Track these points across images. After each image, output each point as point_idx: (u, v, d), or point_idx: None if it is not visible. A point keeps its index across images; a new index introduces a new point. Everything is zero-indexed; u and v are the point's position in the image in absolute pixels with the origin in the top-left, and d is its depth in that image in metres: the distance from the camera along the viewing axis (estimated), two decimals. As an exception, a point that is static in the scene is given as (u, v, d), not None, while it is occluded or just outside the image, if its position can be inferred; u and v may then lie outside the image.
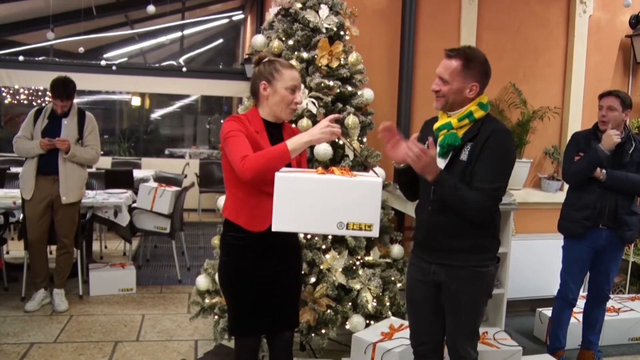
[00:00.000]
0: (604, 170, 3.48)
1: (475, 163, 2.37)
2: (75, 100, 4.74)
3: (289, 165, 2.37)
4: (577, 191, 3.65)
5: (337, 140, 3.70)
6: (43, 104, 4.92)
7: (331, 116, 2.37)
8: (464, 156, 2.41)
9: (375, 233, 2.18)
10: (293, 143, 2.26)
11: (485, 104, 2.46)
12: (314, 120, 3.62)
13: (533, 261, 4.46)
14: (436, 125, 2.53)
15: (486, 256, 2.50)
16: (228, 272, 2.55)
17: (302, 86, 3.63)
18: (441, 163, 2.46)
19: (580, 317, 3.95)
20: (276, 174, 2.13)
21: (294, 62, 3.67)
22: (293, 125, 3.10)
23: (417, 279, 2.60)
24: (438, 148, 2.47)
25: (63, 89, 4.45)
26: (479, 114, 2.43)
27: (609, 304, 4.43)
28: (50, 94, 4.52)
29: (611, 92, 3.58)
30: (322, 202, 2.12)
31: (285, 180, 2.12)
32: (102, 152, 4.74)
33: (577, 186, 3.64)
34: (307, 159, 3.48)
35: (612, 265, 3.69)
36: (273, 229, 2.15)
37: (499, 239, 2.58)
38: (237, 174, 2.29)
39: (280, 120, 2.56)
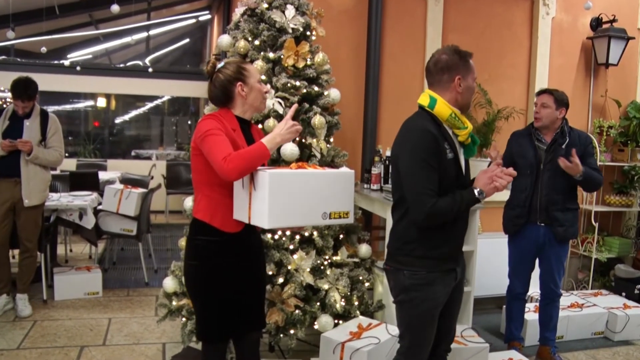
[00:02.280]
0: (582, 169, 3.51)
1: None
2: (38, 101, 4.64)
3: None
4: (512, 190, 3.79)
5: (304, 140, 3.72)
6: (4, 105, 4.80)
7: (290, 112, 2.46)
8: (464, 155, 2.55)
9: (351, 219, 2.43)
10: (269, 142, 2.32)
11: None
12: (281, 120, 3.61)
13: (499, 259, 4.51)
14: (468, 131, 2.49)
15: None
16: (199, 276, 2.52)
17: (269, 86, 3.63)
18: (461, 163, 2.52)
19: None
20: (268, 172, 2.19)
21: (260, 62, 3.66)
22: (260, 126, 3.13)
23: (446, 293, 2.53)
24: (467, 149, 2.55)
25: (24, 90, 4.35)
26: None
27: (572, 299, 4.55)
28: (11, 95, 4.42)
29: (546, 90, 3.73)
30: (309, 195, 2.27)
31: (278, 176, 2.21)
32: (66, 154, 4.65)
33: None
34: (274, 160, 3.50)
35: (555, 262, 3.76)
36: (267, 227, 2.22)
37: None
38: (220, 173, 2.27)
39: (257, 114, 2.65)
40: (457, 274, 2.55)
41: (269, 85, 2.64)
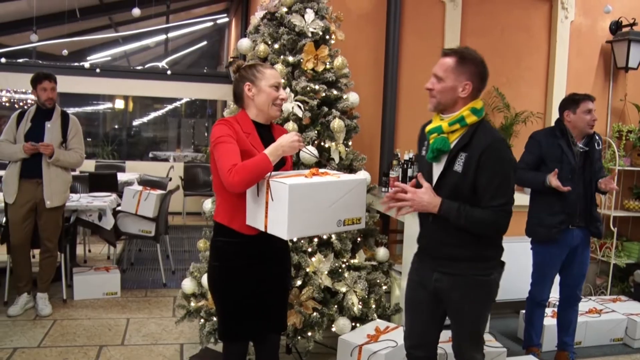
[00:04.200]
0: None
1: (476, 179, 2.33)
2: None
3: (280, 163, 2.46)
4: (549, 196, 3.63)
5: (323, 144, 3.74)
6: (25, 107, 4.86)
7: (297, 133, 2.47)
8: (458, 167, 2.37)
9: (363, 225, 2.43)
10: (271, 154, 2.31)
11: (479, 110, 2.40)
12: (300, 123, 3.64)
13: (517, 263, 4.49)
14: (428, 128, 2.50)
15: (488, 264, 2.48)
16: (218, 277, 2.55)
17: (288, 90, 3.65)
18: (436, 168, 2.47)
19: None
20: (288, 184, 2.15)
21: (279, 65, 3.68)
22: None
23: (418, 282, 2.60)
24: (429, 152, 2.46)
25: (44, 74, 4.46)
26: (471, 119, 2.38)
27: (591, 305, 4.52)
28: (35, 87, 4.45)
29: (592, 97, 3.66)
30: (326, 204, 2.25)
31: (297, 188, 2.17)
32: (85, 155, 4.70)
33: (548, 192, 3.62)
34: (293, 163, 3.52)
35: (583, 266, 3.76)
36: (286, 237, 2.21)
37: (502, 246, 2.55)
38: (225, 185, 2.32)
39: (269, 120, 2.60)
40: (432, 277, 2.50)
41: (285, 94, 2.60)
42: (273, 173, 2.32)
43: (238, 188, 2.29)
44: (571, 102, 3.67)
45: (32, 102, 4.56)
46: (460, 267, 2.45)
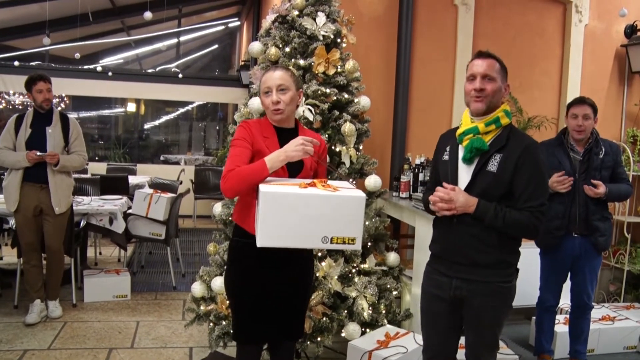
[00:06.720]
0: (601, 189, 3.49)
1: (513, 180, 2.35)
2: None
3: (297, 169, 2.44)
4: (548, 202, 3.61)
5: (333, 147, 3.72)
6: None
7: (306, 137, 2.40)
8: (492, 167, 2.38)
9: (357, 246, 2.20)
10: (271, 160, 2.27)
11: (509, 112, 2.44)
12: (311, 127, 3.62)
13: (528, 270, 4.44)
14: (460, 130, 2.48)
15: (509, 271, 2.47)
16: (231, 276, 2.55)
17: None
18: (464, 170, 2.45)
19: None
20: (261, 188, 2.12)
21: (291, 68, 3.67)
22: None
23: (433, 294, 2.55)
24: (463, 153, 2.45)
25: (41, 75, 4.38)
26: (504, 120, 2.41)
27: (604, 312, 4.46)
28: (30, 90, 4.36)
29: (584, 100, 3.57)
30: (307, 217, 2.11)
31: (271, 195, 2.10)
32: (96, 158, 4.68)
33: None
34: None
35: (589, 274, 3.68)
36: (258, 245, 2.14)
37: (520, 252, 2.54)
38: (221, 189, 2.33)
39: (284, 124, 2.55)
40: (452, 285, 2.47)
41: (276, 96, 2.51)
42: (273, 179, 2.29)
43: (228, 193, 2.30)
44: (567, 106, 3.66)
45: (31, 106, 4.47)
46: (482, 274, 2.42)
